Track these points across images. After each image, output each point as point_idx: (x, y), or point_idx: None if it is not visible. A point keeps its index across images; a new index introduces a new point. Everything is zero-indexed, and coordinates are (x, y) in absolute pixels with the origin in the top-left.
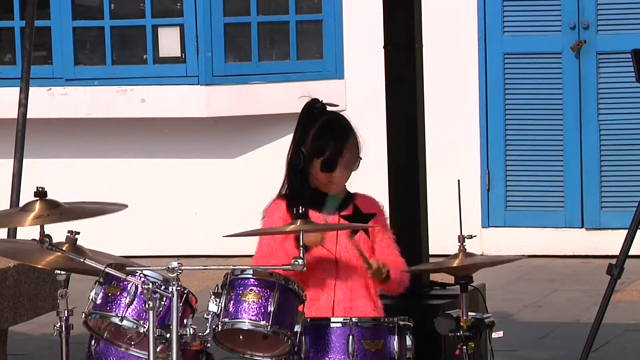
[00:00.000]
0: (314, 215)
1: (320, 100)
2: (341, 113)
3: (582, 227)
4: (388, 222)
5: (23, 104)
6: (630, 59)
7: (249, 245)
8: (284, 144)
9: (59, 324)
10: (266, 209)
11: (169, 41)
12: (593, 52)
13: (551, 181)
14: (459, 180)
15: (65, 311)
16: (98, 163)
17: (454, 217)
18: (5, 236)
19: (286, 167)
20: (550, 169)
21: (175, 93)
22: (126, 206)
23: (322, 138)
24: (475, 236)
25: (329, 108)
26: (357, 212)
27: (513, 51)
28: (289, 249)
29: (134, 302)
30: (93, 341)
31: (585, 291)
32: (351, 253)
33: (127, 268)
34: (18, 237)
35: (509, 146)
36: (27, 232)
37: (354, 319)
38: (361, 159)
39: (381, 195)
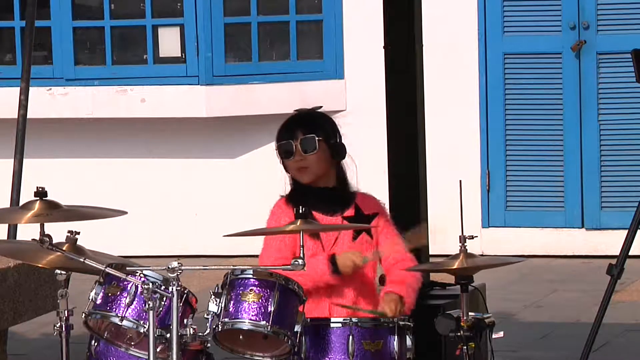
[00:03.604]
0: (317, 216)
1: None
2: (322, 111)
3: (582, 227)
4: (389, 218)
5: (23, 105)
6: (630, 59)
7: (249, 245)
8: None
9: (59, 323)
10: (271, 209)
11: (169, 41)
12: (593, 52)
13: (551, 181)
14: (460, 181)
15: (66, 311)
16: (98, 163)
17: (454, 217)
18: (5, 236)
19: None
20: (550, 169)
21: (175, 93)
22: (125, 212)
23: (278, 131)
24: (476, 236)
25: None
26: (359, 212)
27: (513, 51)
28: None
29: (134, 302)
30: (93, 341)
31: (585, 291)
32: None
33: (127, 268)
34: (18, 237)
35: (509, 146)
36: (28, 232)
37: (353, 319)
38: (338, 143)
39: (381, 195)
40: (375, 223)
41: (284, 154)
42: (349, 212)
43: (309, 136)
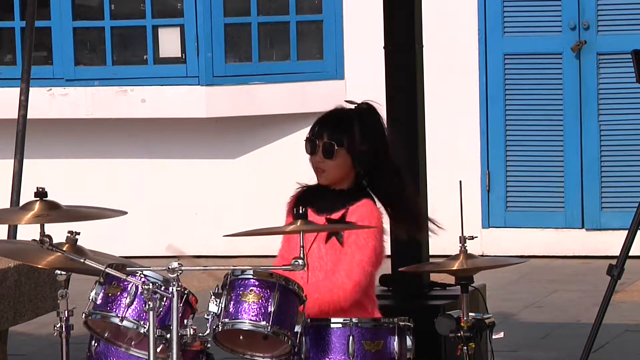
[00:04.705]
0: (310, 213)
1: (354, 101)
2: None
3: (583, 227)
4: (371, 233)
5: (23, 106)
6: (631, 59)
7: (249, 246)
8: (284, 144)
9: (59, 324)
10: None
11: (169, 41)
12: (593, 53)
13: (551, 181)
14: (460, 181)
15: (66, 311)
16: (98, 163)
17: (454, 218)
18: (5, 237)
19: None
20: (550, 169)
21: (176, 93)
22: (126, 212)
23: (313, 123)
24: (476, 237)
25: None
26: (343, 217)
27: (513, 51)
28: None
29: (134, 303)
30: (93, 341)
31: (585, 291)
32: (327, 257)
33: (127, 268)
34: (18, 237)
35: (509, 146)
36: (28, 232)
37: (353, 320)
38: (364, 151)
39: None
40: (348, 232)
41: (309, 149)
42: (337, 214)
43: (330, 142)
